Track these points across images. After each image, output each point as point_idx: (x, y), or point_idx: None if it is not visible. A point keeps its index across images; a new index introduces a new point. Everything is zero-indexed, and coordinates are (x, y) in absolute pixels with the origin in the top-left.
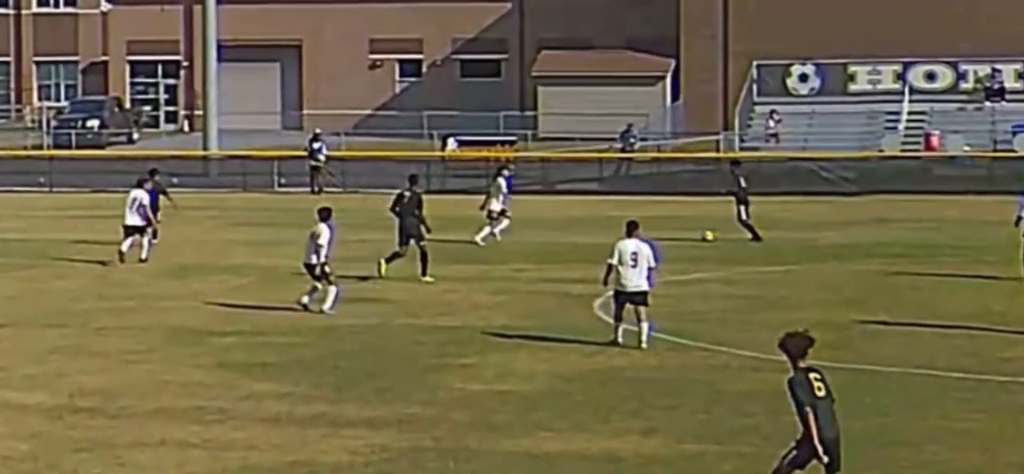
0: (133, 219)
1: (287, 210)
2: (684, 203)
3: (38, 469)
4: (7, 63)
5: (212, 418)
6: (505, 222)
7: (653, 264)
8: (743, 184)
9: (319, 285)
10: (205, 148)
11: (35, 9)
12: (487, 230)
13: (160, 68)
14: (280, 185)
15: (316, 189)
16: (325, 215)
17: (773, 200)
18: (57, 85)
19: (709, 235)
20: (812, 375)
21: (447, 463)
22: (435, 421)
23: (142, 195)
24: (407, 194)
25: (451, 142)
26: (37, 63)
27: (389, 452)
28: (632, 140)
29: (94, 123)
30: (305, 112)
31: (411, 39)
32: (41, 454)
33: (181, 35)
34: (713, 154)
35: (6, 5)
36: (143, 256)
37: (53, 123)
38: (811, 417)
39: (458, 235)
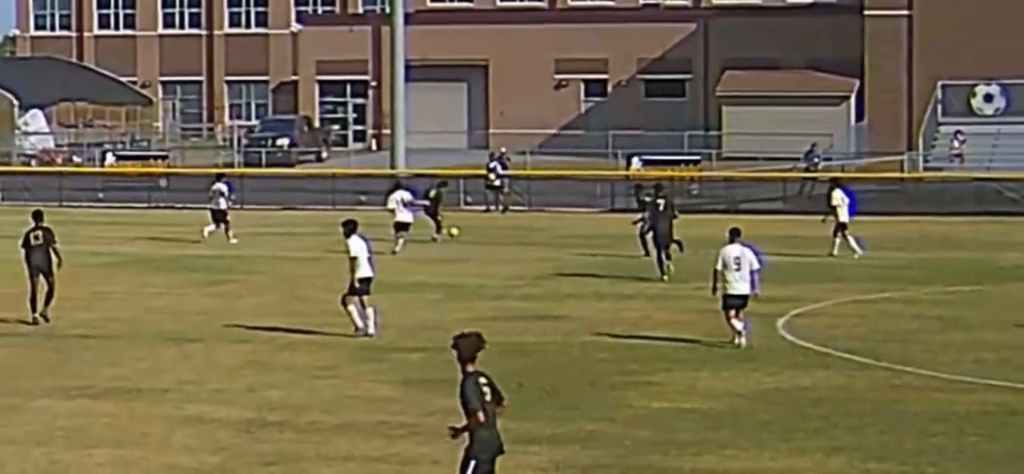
0: (404, 216)
1: (472, 228)
2: (868, 223)
3: None
4: (199, 83)
5: (397, 433)
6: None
7: (756, 267)
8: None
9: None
10: (392, 166)
11: (227, 30)
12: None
13: (349, 87)
14: (466, 203)
15: (500, 208)
16: (351, 229)
17: (957, 220)
18: (248, 104)
19: (453, 231)
20: (481, 380)
21: None
22: (618, 438)
23: (405, 195)
24: (660, 202)
25: (636, 161)
26: (228, 82)
27: (572, 468)
28: (816, 160)
29: (284, 141)
30: (491, 131)
31: (596, 59)
32: (230, 467)
33: (370, 55)
34: (897, 174)
35: (198, 26)
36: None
37: (244, 141)
38: (479, 420)
39: (637, 251)
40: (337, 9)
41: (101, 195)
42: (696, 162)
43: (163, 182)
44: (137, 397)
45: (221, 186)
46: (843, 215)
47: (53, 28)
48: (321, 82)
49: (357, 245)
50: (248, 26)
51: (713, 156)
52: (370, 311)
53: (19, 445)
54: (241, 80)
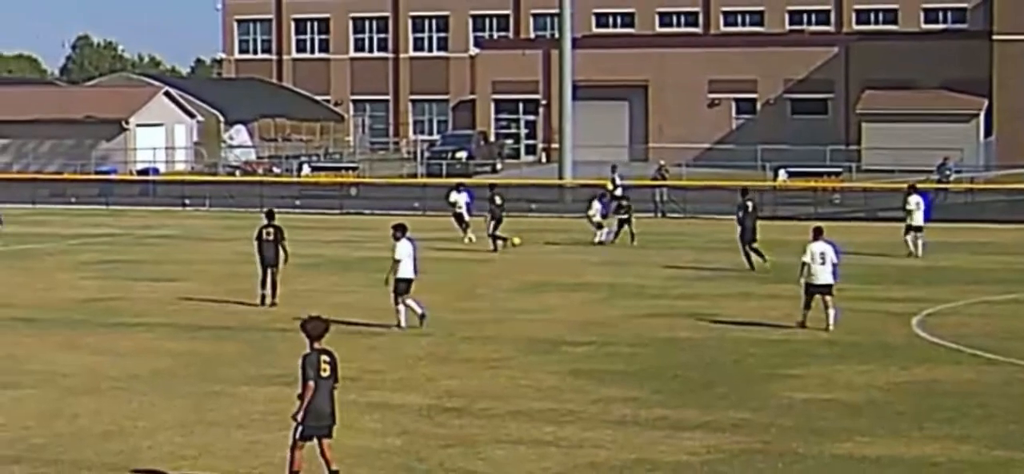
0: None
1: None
2: (996, 230)
3: (409, 462)
4: (386, 101)
5: (564, 419)
6: None
7: (836, 261)
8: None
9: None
10: (560, 177)
11: (411, 53)
12: None
13: (521, 105)
14: None
15: (659, 214)
16: (401, 233)
17: None
18: (430, 120)
19: (516, 241)
20: (322, 357)
21: (775, 464)
22: (765, 426)
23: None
24: (748, 204)
25: (782, 173)
26: (413, 101)
27: (722, 453)
28: (948, 172)
29: (462, 154)
30: (650, 145)
31: (746, 80)
32: (412, 449)
33: (540, 76)
34: (1023, 186)
35: (386, 50)
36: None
37: (426, 154)
38: (310, 389)
39: (786, 257)
40: (511, 35)
41: (298, 203)
42: (837, 174)
43: (353, 191)
44: None
45: (460, 195)
46: (918, 219)
47: (255, 52)
48: (496, 100)
49: (403, 248)
50: (430, 50)
51: (853, 169)
52: (411, 303)
53: (223, 427)
54: (424, 99)
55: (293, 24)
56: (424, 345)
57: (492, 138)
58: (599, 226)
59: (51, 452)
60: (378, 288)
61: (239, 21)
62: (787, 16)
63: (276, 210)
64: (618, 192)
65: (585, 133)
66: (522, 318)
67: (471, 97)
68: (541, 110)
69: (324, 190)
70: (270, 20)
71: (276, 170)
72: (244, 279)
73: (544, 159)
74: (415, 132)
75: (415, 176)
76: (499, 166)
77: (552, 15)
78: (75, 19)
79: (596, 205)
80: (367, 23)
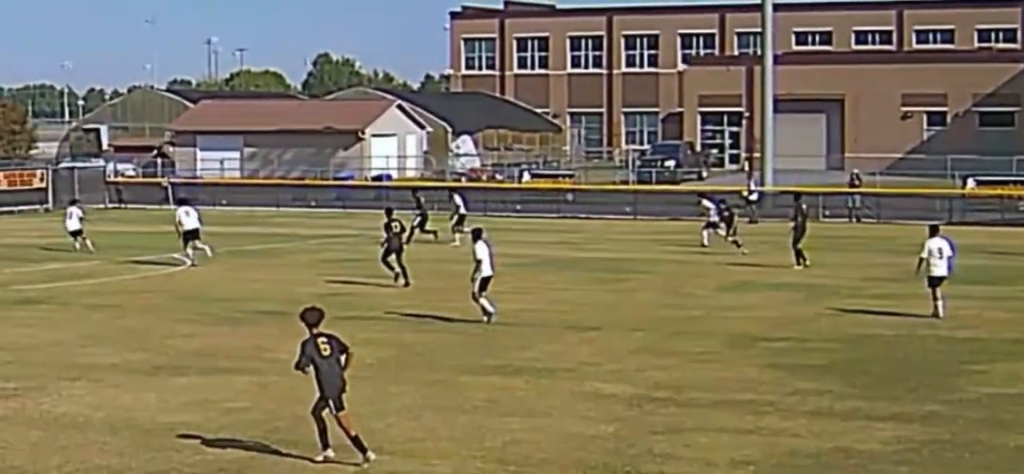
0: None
1: (828, 237)
2: None
3: (619, 447)
4: (600, 113)
5: (764, 410)
6: None
7: (951, 255)
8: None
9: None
10: (762, 184)
11: (624, 69)
12: None
13: (725, 118)
14: (825, 216)
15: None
16: (478, 236)
17: None
18: (641, 131)
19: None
20: (320, 340)
21: (962, 454)
22: (953, 418)
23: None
24: (803, 207)
25: (970, 181)
26: (625, 113)
27: (912, 443)
28: None
29: (671, 163)
30: (846, 155)
31: (937, 94)
32: (623, 435)
33: (743, 90)
34: None
35: (600, 66)
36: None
37: (637, 163)
38: (313, 371)
39: (970, 260)
40: (717, 52)
41: (518, 207)
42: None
43: (569, 196)
44: (545, 375)
45: (708, 203)
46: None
47: (480, 68)
48: (702, 113)
49: (482, 250)
50: (642, 66)
51: None
52: (484, 302)
53: (448, 413)
54: (635, 111)
55: (515, 42)
56: (635, 339)
57: (698, 148)
58: (713, 226)
59: (294, 433)
60: (592, 286)
61: (466, 40)
62: (976, 33)
63: (499, 214)
64: (753, 197)
65: (785, 144)
66: (726, 315)
67: (679, 109)
68: (744, 122)
69: (543, 195)
70: (494, 39)
71: (499, 177)
72: (458, 277)
73: (747, 168)
74: (627, 142)
75: (627, 183)
76: (705, 174)
77: (755, 33)
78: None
79: (708, 204)
80: (583, 41)
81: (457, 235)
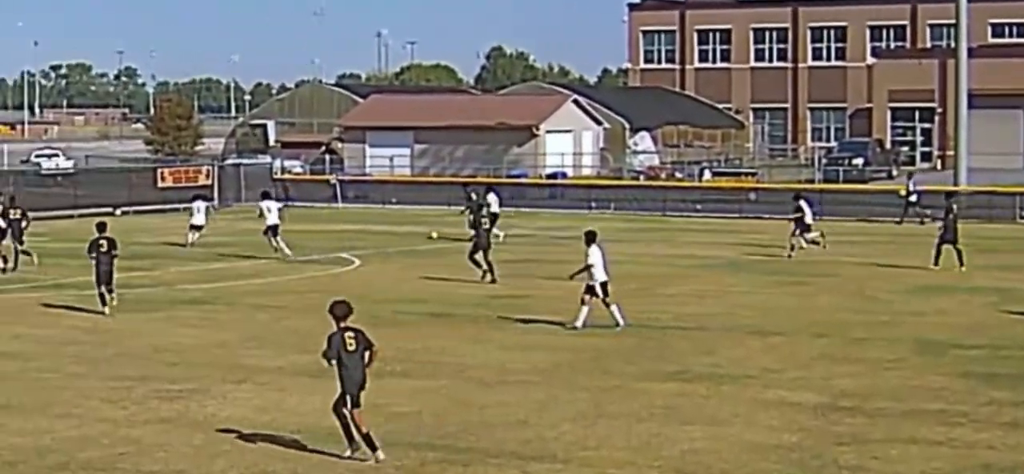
0: None
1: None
2: None
3: (804, 458)
4: (785, 109)
5: (955, 420)
6: None
7: None
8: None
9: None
10: (955, 184)
11: (809, 63)
12: None
13: (917, 114)
14: (1020, 217)
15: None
16: (591, 239)
17: None
18: (827, 128)
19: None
20: (347, 334)
21: None
22: None
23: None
24: (954, 207)
25: None
26: (811, 109)
27: None
28: None
29: (859, 161)
30: None
31: None
32: (807, 445)
33: (936, 85)
34: None
35: (785, 59)
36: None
37: (823, 161)
38: (337, 365)
39: None
40: (908, 44)
41: (698, 207)
42: None
43: (752, 196)
44: (726, 382)
45: (804, 204)
46: None
47: (659, 61)
48: (892, 109)
49: (595, 254)
50: (828, 60)
51: None
52: (614, 308)
53: (623, 420)
54: (821, 107)
55: (696, 35)
56: (820, 345)
57: (888, 145)
58: (808, 228)
59: (463, 440)
60: (774, 289)
61: (644, 32)
62: None
63: (678, 214)
64: (912, 198)
65: (979, 141)
66: (913, 320)
67: (867, 105)
68: (937, 118)
69: (724, 195)
70: (674, 31)
71: (678, 175)
72: (636, 279)
73: (939, 166)
74: (813, 139)
75: (812, 182)
76: (895, 173)
77: (949, 25)
78: (489, 31)
79: (804, 206)
80: (767, 34)
81: (495, 230)
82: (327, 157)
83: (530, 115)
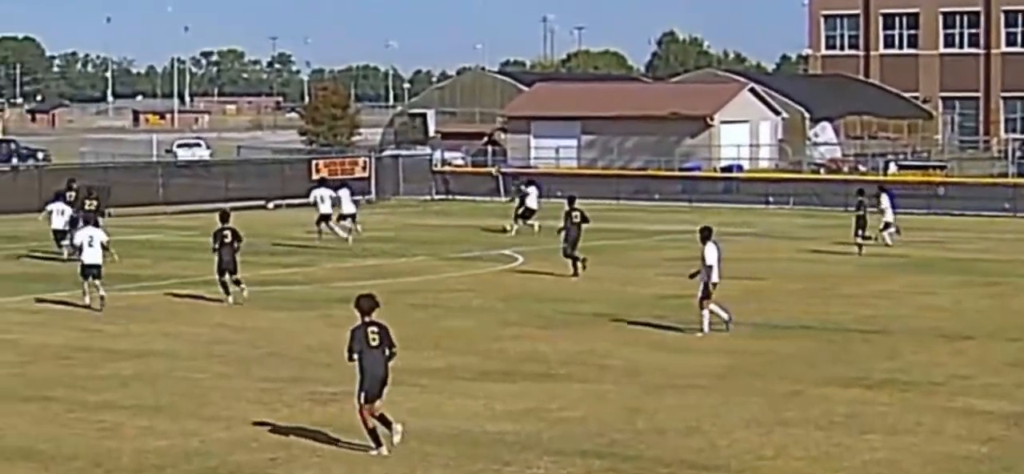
0: None
1: None
2: None
3: (994, 470)
4: (976, 98)
5: None
6: None
7: None
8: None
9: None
10: None
11: (1004, 49)
12: None
13: None
14: None
15: None
16: (707, 236)
17: None
18: (1022, 119)
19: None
20: (370, 329)
21: None
22: None
23: None
24: None
25: None
26: (1004, 98)
27: None
28: None
29: None
30: None
31: None
32: (997, 456)
33: None
34: None
35: (977, 45)
36: None
37: (1018, 154)
38: (358, 359)
39: None
40: None
41: None
42: None
43: (941, 190)
44: (910, 389)
45: (886, 197)
46: None
47: (842, 48)
48: None
49: (712, 252)
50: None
51: None
52: (708, 311)
53: (801, 428)
54: (1016, 96)
55: (881, 19)
56: (1014, 351)
57: None
58: (888, 225)
59: (632, 448)
60: (964, 290)
61: (826, 17)
62: None
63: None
64: None
65: None
66: None
67: None
68: None
69: (910, 189)
70: (857, 15)
71: (861, 168)
72: (816, 279)
73: None
74: (1006, 130)
75: (1006, 176)
76: None
77: None
78: (661, 16)
79: (886, 199)
80: (958, 18)
81: (517, 224)
82: (489, 148)
83: (704, 105)
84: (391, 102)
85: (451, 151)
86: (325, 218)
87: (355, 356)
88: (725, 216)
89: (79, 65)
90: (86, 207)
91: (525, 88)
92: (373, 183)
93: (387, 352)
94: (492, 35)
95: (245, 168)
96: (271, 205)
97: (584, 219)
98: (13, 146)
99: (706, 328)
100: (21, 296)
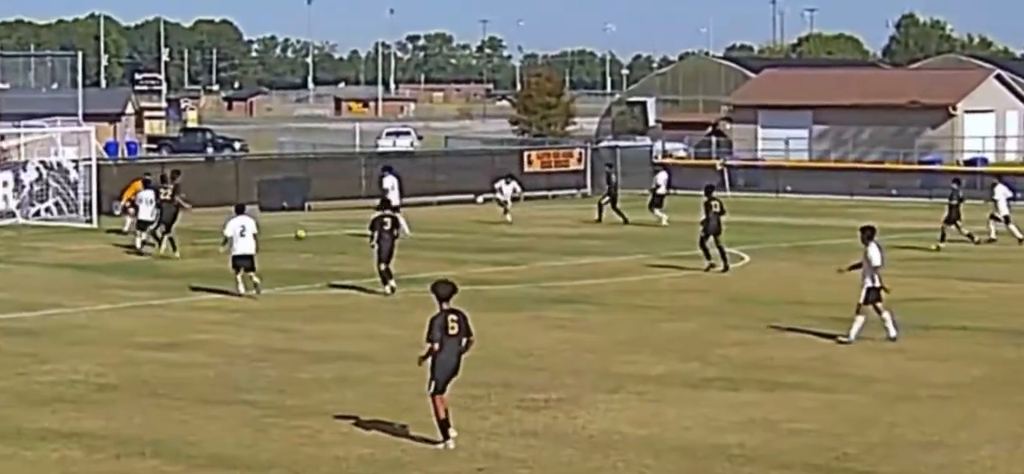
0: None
1: None
2: None
3: None
4: None
5: None
6: None
7: None
8: None
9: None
10: None
11: None
12: None
13: None
14: None
15: None
16: (870, 235)
17: None
18: None
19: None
20: (450, 317)
21: None
22: None
23: None
24: None
25: None
26: None
27: None
28: None
29: None
30: None
31: None
32: None
33: None
34: None
35: None
36: None
37: None
38: (434, 347)
39: None
40: None
41: None
42: None
43: None
44: None
45: (1003, 189)
46: None
47: None
48: None
49: (876, 253)
50: None
51: None
52: (886, 315)
53: None
54: None
55: None
56: None
57: None
58: (1007, 219)
59: (864, 462)
60: None
61: None
62: None
63: None
64: None
65: None
66: None
67: None
68: None
69: None
70: None
71: None
72: None
73: None
74: None
75: None
76: None
77: None
78: None
79: (1000, 191)
80: None
81: (657, 212)
82: (714, 139)
83: (946, 93)
84: (608, 89)
85: (673, 142)
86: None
87: (436, 343)
88: (969, 213)
89: (278, 50)
90: (160, 196)
91: (752, 74)
92: (589, 176)
93: (463, 342)
94: (717, 18)
95: (453, 159)
96: (480, 199)
97: (722, 210)
98: (209, 135)
99: (892, 332)
100: (215, 295)
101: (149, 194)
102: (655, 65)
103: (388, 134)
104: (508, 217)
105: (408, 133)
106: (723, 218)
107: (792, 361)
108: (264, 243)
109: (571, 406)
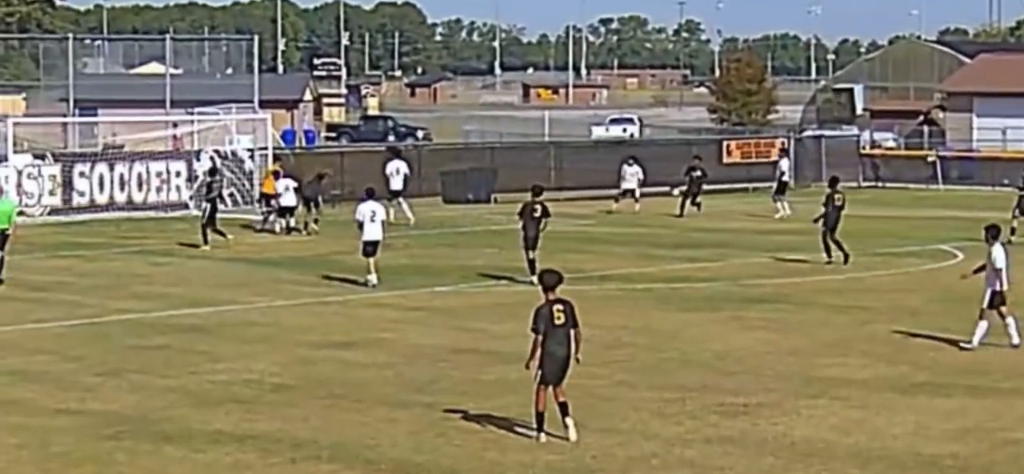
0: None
1: None
2: None
3: None
4: None
5: None
6: None
7: None
8: None
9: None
10: None
11: None
12: None
13: None
14: None
15: None
16: (994, 234)
17: None
18: None
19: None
20: (556, 307)
21: None
22: None
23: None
24: None
25: None
26: None
27: None
28: None
29: None
30: None
31: None
32: None
33: None
34: None
35: None
36: None
37: None
38: (539, 339)
39: None
40: None
41: None
42: None
43: None
44: None
45: None
46: None
47: None
48: None
49: (1000, 254)
50: None
51: None
52: (1010, 321)
53: None
54: None
55: None
56: None
57: None
58: None
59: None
60: None
61: None
62: None
63: None
64: None
65: None
66: None
67: None
68: None
69: None
70: None
71: None
72: None
73: None
74: None
75: None
76: None
77: None
78: None
79: None
80: None
81: (778, 203)
82: (926, 129)
83: None
84: (813, 76)
85: (881, 132)
86: (396, 195)
87: (541, 334)
88: None
89: (463, 34)
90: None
91: (968, 60)
92: (793, 168)
93: (571, 333)
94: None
95: (648, 149)
96: (675, 191)
97: (844, 204)
98: (390, 123)
99: (1016, 338)
100: (397, 291)
101: (289, 181)
102: (863, 50)
103: (612, 122)
104: (616, 205)
105: (632, 121)
106: (843, 212)
107: (1009, 366)
108: (448, 237)
109: (772, 411)
